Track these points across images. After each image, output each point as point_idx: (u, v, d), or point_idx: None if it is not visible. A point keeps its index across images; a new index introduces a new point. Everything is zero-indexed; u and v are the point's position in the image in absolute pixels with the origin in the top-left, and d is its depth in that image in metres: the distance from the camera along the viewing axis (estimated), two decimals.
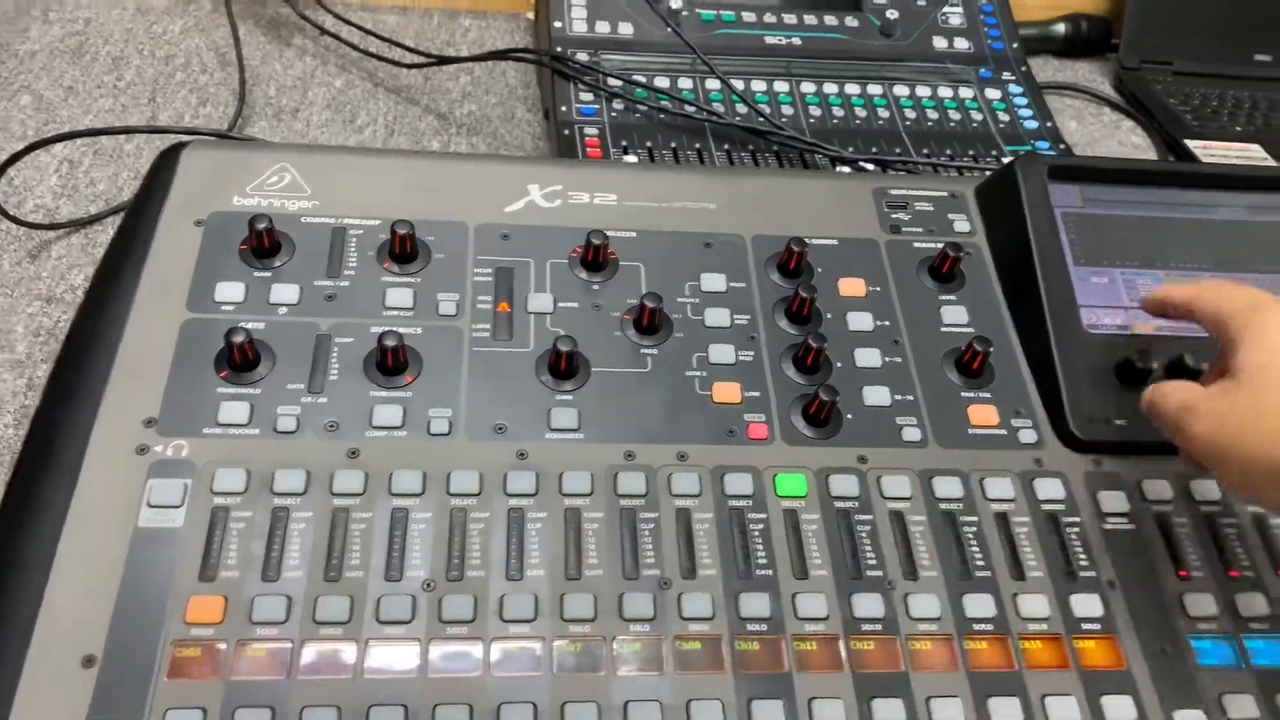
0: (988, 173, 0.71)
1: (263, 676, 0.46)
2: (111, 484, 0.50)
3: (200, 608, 0.47)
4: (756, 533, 0.53)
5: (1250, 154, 1.05)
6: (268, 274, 0.59)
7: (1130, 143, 1.09)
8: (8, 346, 0.72)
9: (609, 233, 0.62)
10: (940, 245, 0.65)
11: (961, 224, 0.69)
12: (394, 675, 0.47)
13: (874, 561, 0.53)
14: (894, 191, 0.70)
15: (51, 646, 0.45)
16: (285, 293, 0.58)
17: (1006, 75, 1.02)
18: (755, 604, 0.51)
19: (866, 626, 0.51)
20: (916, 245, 0.67)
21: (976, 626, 0.52)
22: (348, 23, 0.97)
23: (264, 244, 0.59)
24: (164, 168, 0.62)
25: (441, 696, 0.46)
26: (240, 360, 0.54)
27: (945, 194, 0.70)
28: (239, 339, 0.53)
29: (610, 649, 0.49)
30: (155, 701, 0.44)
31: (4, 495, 0.50)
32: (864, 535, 0.54)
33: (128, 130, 0.82)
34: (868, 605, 0.51)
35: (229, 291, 0.58)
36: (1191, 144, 1.05)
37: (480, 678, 0.47)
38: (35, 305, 0.75)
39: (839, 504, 0.55)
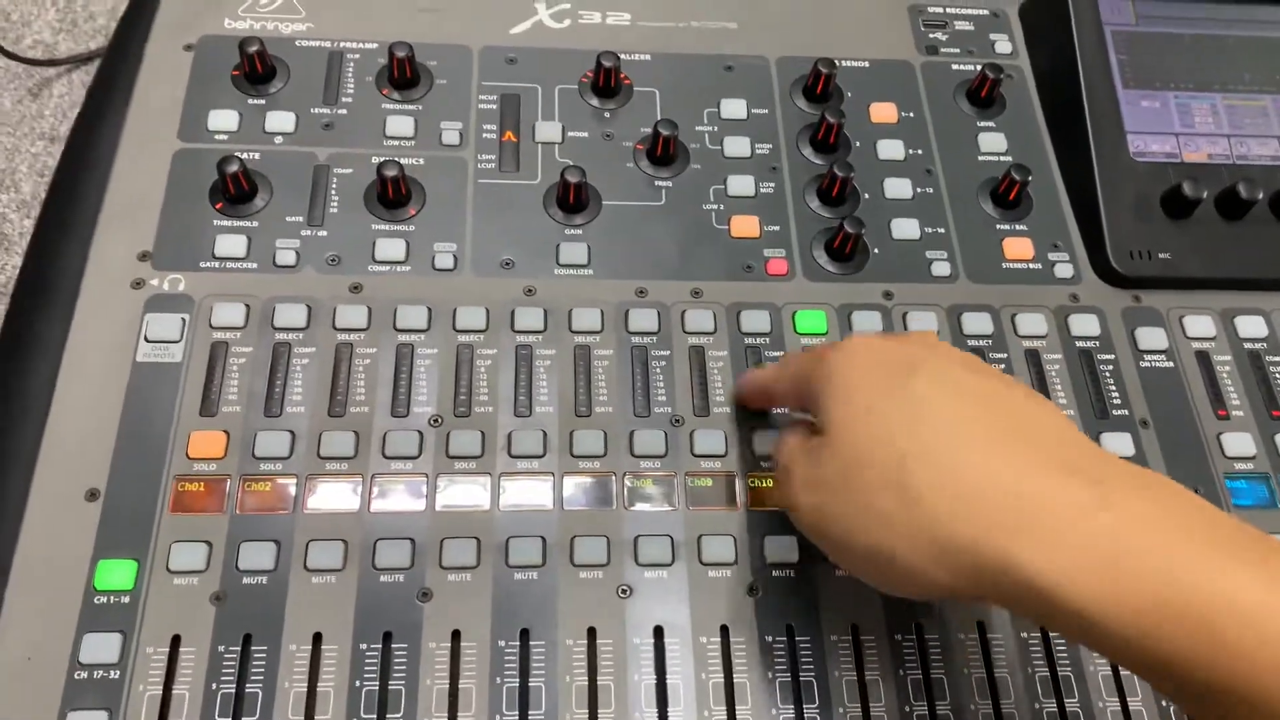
0: None
1: (267, 511, 0.45)
2: (108, 318, 0.49)
3: (202, 443, 0.46)
4: None
5: None
6: (262, 101, 0.56)
7: None
8: (13, 186, 0.70)
9: (622, 55, 0.58)
10: (979, 67, 0.61)
11: (1004, 44, 0.64)
12: (401, 510, 0.46)
13: None
14: (932, 9, 0.65)
15: (55, 480, 0.45)
16: (281, 121, 0.55)
17: None
18: (769, 442, 0.49)
19: None
20: (954, 67, 0.63)
21: None
22: None
23: (257, 69, 0.55)
24: None
25: (449, 530, 0.46)
26: (235, 191, 0.52)
27: (987, 12, 0.65)
28: (233, 169, 0.51)
29: (622, 484, 0.48)
30: (160, 534, 0.44)
31: (1, 332, 0.49)
32: None
33: None
34: None
35: (222, 120, 0.55)
36: None
37: (488, 512, 0.46)
38: (39, 145, 0.73)
39: None
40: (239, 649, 0.42)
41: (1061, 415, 0.38)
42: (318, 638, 0.43)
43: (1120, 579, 0.31)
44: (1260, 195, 0.56)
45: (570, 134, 0.57)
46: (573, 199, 0.54)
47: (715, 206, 0.56)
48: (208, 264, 0.51)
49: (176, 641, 0.42)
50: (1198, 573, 0.30)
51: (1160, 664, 0.31)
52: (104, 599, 0.43)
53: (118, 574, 0.43)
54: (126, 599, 0.43)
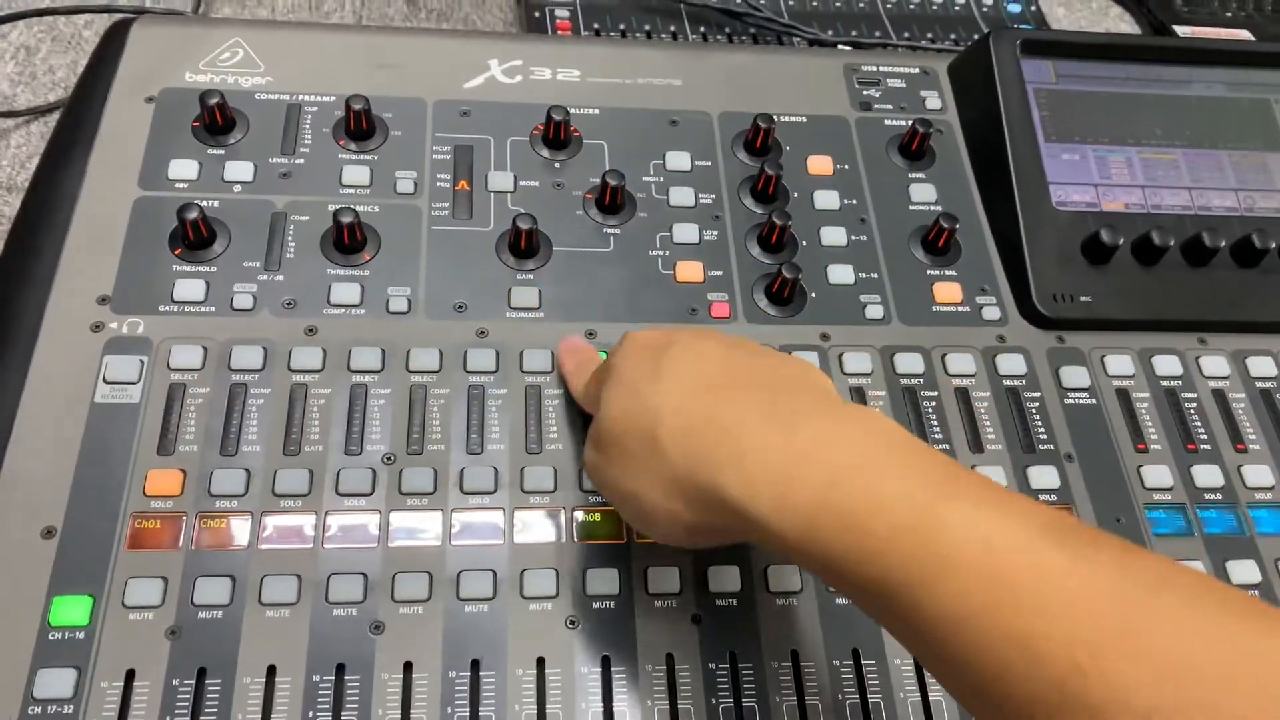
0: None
1: (223, 547, 0.46)
2: (67, 361, 0.50)
3: (159, 481, 0.47)
4: None
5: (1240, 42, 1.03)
6: (221, 151, 0.57)
7: (1119, 31, 1.06)
8: None
9: (572, 110, 0.61)
10: (910, 122, 0.64)
11: (934, 101, 0.67)
12: (354, 545, 0.47)
13: None
14: (866, 68, 0.68)
15: (10, 517, 0.45)
16: (239, 170, 0.57)
17: None
18: None
19: None
20: (887, 122, 0.66)
21: None
22: None
23: (217, 121, 0.57)
24: (112, 44, 0.60)
25: (401, 565, 0.47)
26: (194, 237, 0.53)
27: (917, 70, 0.69)
28: (192, 215, 0.52)
29: (571, 518, 0.49)
30: (116, 571, 0.45)
31: None
32: None
33: (81, 10, 0.79)
34: None
35: (182, 169, 0.56)
36: (1180, 30, 1.03)
37: (440, 547, 0.48)
38: None
39: None
40: (193, 682, 0.43)
41: (806, 369, 0.43)
42: (271, 670, 0.44)
43: (791, 489, 0.35)
44: (1172, 242, 0.60)
45: (522, 183, 0.60)
46: (524, 245, 0.56)
47: (661, 253, 0.59)
48: (166, 308, 0.52)
49: (131, 676, 0.43)
50: (855, 480, 0.35)
51: (826, 563, 0.35)
52: (59, 635, 0.43)
53: (73, 610, 0.44)
54: (81, 635, 0.43)
